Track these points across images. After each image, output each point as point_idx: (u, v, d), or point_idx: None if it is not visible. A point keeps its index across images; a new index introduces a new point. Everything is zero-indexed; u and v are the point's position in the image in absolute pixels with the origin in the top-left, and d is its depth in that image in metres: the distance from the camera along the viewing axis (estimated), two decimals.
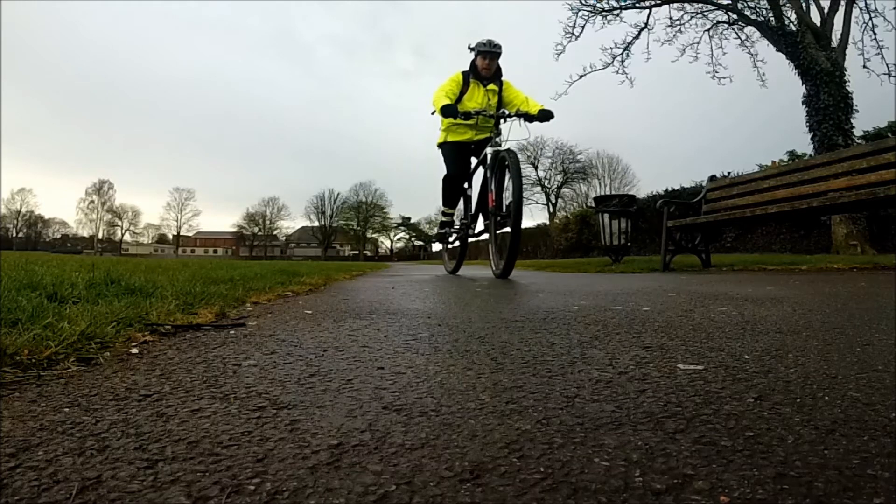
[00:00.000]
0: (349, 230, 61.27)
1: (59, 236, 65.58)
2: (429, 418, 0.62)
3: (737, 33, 10.65)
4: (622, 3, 10.55)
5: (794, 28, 8.93)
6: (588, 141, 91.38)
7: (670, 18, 10.71)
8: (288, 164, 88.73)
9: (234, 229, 63.49)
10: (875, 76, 9.43)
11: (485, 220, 4.19)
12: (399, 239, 64.53)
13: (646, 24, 10.75)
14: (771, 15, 9.31)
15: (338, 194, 61.26)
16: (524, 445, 0.53)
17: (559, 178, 47.11)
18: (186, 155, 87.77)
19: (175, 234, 66.01)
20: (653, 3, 10.52)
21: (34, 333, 0.93)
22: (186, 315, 1.43)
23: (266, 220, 62.44)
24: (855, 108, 8.39)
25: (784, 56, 9.07)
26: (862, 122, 12.83)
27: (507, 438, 0.55)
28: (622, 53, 11.00)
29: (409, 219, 60.52)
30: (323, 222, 61.46)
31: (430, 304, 1.96)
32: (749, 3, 9.79)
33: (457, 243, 5.12)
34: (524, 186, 3.58)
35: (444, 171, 4.46)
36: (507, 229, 3.65)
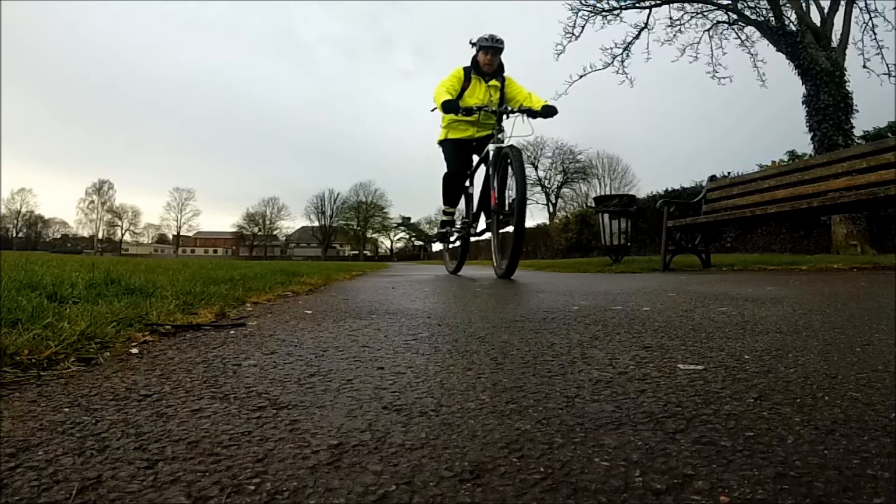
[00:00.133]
0: (349, 230, 61.25)
1: (59, 236, 65.59)
2: (429, 418, 0.62)
3: (737, 33, 10.67)
4: (622, 3, 10.57)
5: (794, 28, 8.94)
6: (588, 141, 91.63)
7: (670, 18, 10.74)
8: (288, 164, 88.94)
9: (234, 229, 63.57)
10: (875, 76, 9.46)
11: (487, 218, 4.10)
12: (399, 239, 64.62)
13: (646, 24, 10.77)
14: (771, 15, 9.31)
15: (338, 194, 61.35)
16: (524, 445, 0.53)
17: (559, 178, 47.24)
18: (186, 155, 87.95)
19: (175, 234, 66.03)
20: (653, 3, 10.53)
21: (34, 333, 0.93)
22: (186, 315, 1.43)
23: (266, 220, 62.48)
24: (855, 108, 8.40)
25: (784, 56, 9.08)
26: (862, 122, 12.84)
27: (507, 438, 0.55)
28: (622, 53, 11.02)
29: (409, 219, 60.56)
30: (323, 222, 61.46)
31: (430, 304, 1.96)
32: (749, 3, 9.80)
33: (458, 243, 5.01)
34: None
35: (445, 170, 4.35)
36: (510, 228, 3.53)
